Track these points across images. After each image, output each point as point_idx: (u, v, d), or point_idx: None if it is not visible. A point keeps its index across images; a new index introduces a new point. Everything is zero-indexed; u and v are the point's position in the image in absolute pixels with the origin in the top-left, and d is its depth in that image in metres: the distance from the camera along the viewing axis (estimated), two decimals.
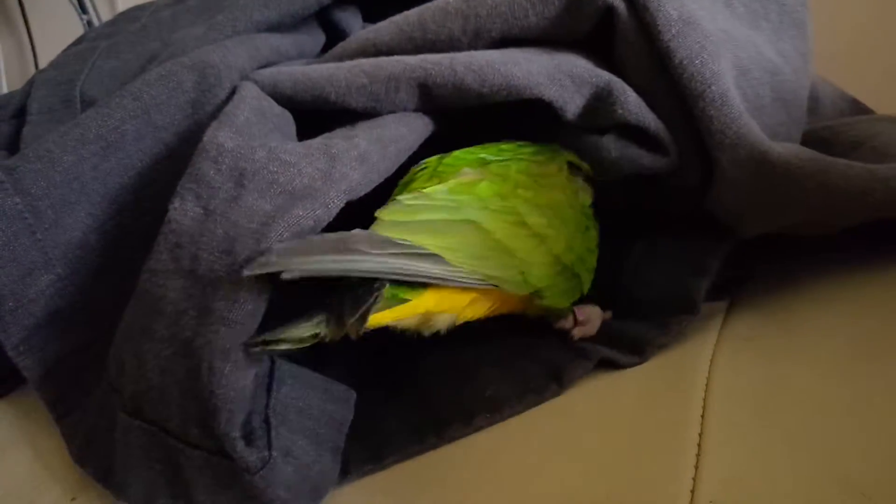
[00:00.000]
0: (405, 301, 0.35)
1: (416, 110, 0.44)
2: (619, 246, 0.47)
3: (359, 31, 0.60)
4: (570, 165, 0.44)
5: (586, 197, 0.44)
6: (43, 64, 1.24)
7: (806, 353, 0.36)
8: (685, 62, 0.38)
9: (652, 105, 0.41)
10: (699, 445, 0.32)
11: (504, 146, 0.43)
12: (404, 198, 0.38)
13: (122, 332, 0.38)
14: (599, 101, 0.41)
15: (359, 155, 0.38)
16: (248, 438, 0.34)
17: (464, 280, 0.36)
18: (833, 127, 0.48)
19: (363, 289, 0.32)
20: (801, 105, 0.44)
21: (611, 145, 0.42)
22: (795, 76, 0.43)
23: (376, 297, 0.32)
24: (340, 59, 0.49)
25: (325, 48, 0.59)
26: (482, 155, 0.42)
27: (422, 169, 0.42)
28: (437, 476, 0.37)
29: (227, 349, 0.33)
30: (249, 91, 0.42)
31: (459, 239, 0.36)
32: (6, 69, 1.31)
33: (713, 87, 0.38)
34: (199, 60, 0.44)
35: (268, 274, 0.32)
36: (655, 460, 0.32)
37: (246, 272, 0.31)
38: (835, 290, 0.40)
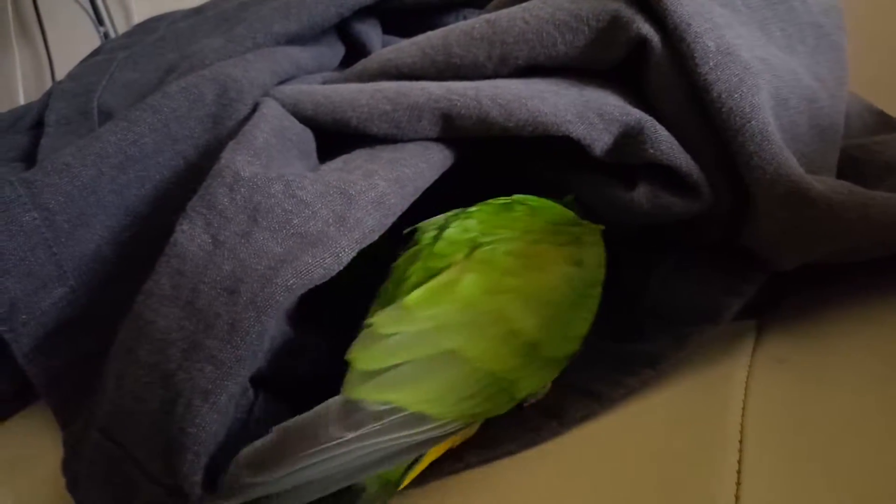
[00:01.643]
0: (391, 483, 0.33)
1: (436, 139, 0.43)
2: (640, 262, 0.46)
3: (378, 43, 0.60)
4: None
5: (595, 250, 0.40)
6: (60, 75, 1.25)
7: (842, 376, 0.35)
8: (723, 96, 0.36)
9: (684, 139, 0.39)
10: (738, 472, 0.31)
11: (508, 215, 0.40)
12: (382, 325, 0.33)
13: (112, 349, 0.37)
14: (629, 140, 0.39)
15: (376, 198, 0.37)
16: (211, 482, 0.33)
17: (450, 429, 0.33)
18: (866, 146, 0.47)
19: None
20: (838, 131, 0.42)
21: (642, 199, 0.40)
22: (832, 102, 0.42)
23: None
24: (361, 78, 0.48)
25: (345, 61, 0.59)
26: (474, 234, 0.38)
27: (415, 252, 0.38)
28: None
29: (208, 390, 0.32)
30: (271, 109, 0.41)
31: (442, 382, 0.32)
32: (23, 80, 1.32)
33: (753, 122, 0.36)
34: (221, 73, 0.43)
35: (273, 302, 0.32)
36: (693, 488, 0.31)
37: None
38: (867, 311, 0.39)
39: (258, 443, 0.30)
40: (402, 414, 0.31)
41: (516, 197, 0.42)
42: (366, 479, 0.32)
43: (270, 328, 0.34)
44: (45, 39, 1.27)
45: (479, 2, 0.60)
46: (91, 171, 0.40)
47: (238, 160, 0.37)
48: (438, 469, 0.37)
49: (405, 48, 0.48)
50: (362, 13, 0.57)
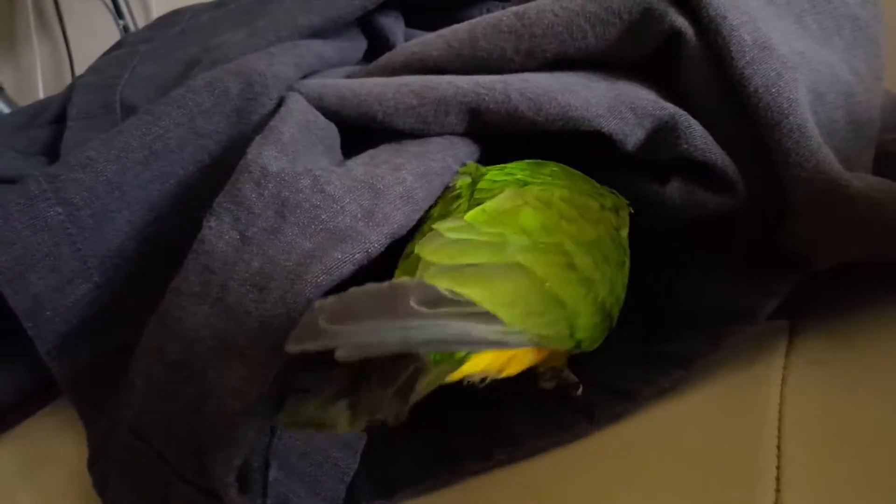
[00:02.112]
0: (446, 369, 0.31)
1: (463, 133, 0.42)
2: (670, 259, 0.45)
3: (401, 37, 0.59)
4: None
5: (624, 228, 0.40)
6: (79, 68, 1.25)
7: (882, 379, 0.34)
8: (760, 91, 0.35)
9: (718, 135, 0.38)
10: (777, 479, 0.30)
11: (542, 170, 0.40)
12: (445, 228, 0.33)
13: (140, 347, 0.37)
14: (662, 135, 0.39)
15: (404, 192, 0.36)
16: (244, 482, 0.32)
17: (518, 342, 0.32)
18: None
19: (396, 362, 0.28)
20: (874, 126, 0.41)
21: (675, 194, 0.39)
22: (868, 96, 0.41)
23: (415, 373, 0.27)
24: (385, 72, 0.48)
25: (367, 54, 0.58)
26: (519, 176, 0.38)
27: (455, 196, 0.38)
28: None
29: (239, 388, 0.31)
30: (296, 104, 0.41)
31: (513, 291, 0.31)
32: (42, 73, 1.32)
33: (791, 118, 0.35)
34: (246, 67, 0.43)
35: (302, 298, 0.31)
36: (732, 496, 0.30)
37: (289, 347, 0.26)
38: None
39: (340, 296, 0.27)
40: (477, 309, 0.29)
41: (542, 161, 0.41)
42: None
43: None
44: (64, 33, 1.27)
45: None
46: (115, 165, 0.40)
47: (265, 155, 0.36)
48: (466, 466, 0.37)
49: (430, 41, 0.47)
50: (385, 6, 0.57)
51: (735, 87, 0.37)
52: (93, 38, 1.22)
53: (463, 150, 0.42)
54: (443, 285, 0.29)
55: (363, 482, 0.37)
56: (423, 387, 0.28)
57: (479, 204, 0.35)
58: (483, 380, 0.34)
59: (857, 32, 0.43)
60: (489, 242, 0.32)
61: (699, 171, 0.38)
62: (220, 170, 0.42)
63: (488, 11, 0.60)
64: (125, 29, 1.05)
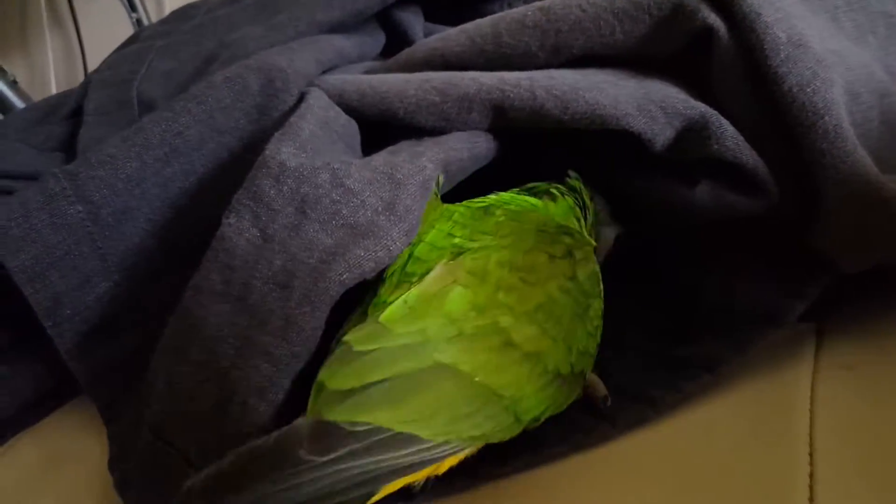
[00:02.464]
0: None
1: (486, 130, 0.41)
2: (693, 260, 0.45)
3: (420, 31, 0.58)
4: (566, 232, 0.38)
5: (588, 266, 0.37)
6: (91, 62, 1.25)
7: None
8: (795, 90, 0.34)
9: (749, 135, 0.37)
10: (811, 488, 0.30)
11: (486, 224, 0.37)
12: (356, 342, 0.30)
13: (160, 346, 0.36)
14: (692, 135, 0.38)
15: (423, 181, 0.36)
16: None
17: (446, 452, 0.30)
18: None
19: None
20: None
21: (704, 196, 0.38)
22: None
23: None
24: (406, 67, 0.47)
25: (386, 49, 0.58)
26: (457, 240, 0.35)
27: (390, 273, 0.35)
28: None
29: (264, 387, 0.31)
30: (317, 100, 0.40)
31: (432, 401, 0.29)
32: (55, 67, 1.32)
33: (826, 119, 0.34)
34: (266, 63, 0.42)
35: (327, 297, 0.31)
36: (764, 500, 0.30)
37: None
38: None
39: (212, 468, 0.26)
40: (384, 435, 0.27)
41: (492, 199, 0.40)
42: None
43: (324, 323, 0.33)
44: (76, 26, 1.27)
45: None
46: (135, 163, 0.39)
47: (284, 151, 0.36)
48: (482, 472, 0.36)
49: (452, 37, 0.46)
50: (404, 1, 0.56)
51: (768, 85, 0.36)
52: (105, 31, 1.22)
53: (483, 146, 0.42)
54: (341, 418, 0.27)
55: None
56: None
57: (408, 281, 0.33)
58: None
59: (891, 30, 0.42)
60: (406, 345, 0.30)
61: (729, 172, 0.37)
62: (240, 167, 0.41)
63: (509, 6, 0.59)
64: (138, 22, 1.04)
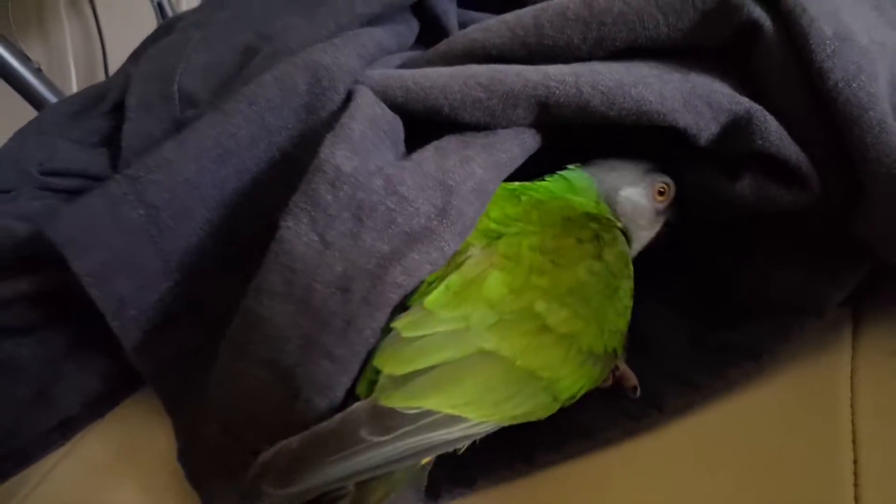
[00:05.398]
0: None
1: (529, 125, 0.42)
2: (732, 246, 0.45)
3: (454, 17, 0.58)
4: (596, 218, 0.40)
5: (616, 248, 0.39)
6: (110, 45, 1.25)
7: None
8: (840, 85, 0.35)
9: (793, 128, 0.37)
10: (855, 473, 0.31)
11: (515, 207, 0.39)
12: (404, 328, 0.33)
13: (224, 344, 0.38)
14: (737, 130, 0.38)
15: (475, 186, 0.37)
16: None
17: (486, 429, 0.33)
18: None
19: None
20: None
21: (746, 190, 0.38)
22: None
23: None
24: (446, 59, 0.47)
25: (419, 35, 0.58)
26: (492, 224, 0.38)
27: None
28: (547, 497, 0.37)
29: (327, 385, 0.33)
30: (364, 98, 0.41)
31: (477, 385, 0.32)
32: (73, 51, 1.32)
33: (871, 113, 0.34)
34: (312, 61, 0.43)
35: (385, 299, 0.33)
36: (812, 491, 0.31)
37: None
38: None
39: (281, 447, 0.30)
40: (434, 416, 0.31)
41: (518, 185, 0.41)
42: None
43: (383, 324, 0.34)
44: (94, 9, 1.27)
45: None
46: (192, 165, 0.40)
47: (338, 155, 0.37)
48: (539, 459, 0.38)
49: (493, 28, 0.46)
50: None
51: (814, 79, 0.36)
52: (124, 13, 1.22)
53: (529, 141, 0.42)
54: (396, 404, 0.30)
55: (443, 473, 0.38)
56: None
57: (445, 270, 0.35)
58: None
59: None
60: (450, 332, 0.32)
61: (772, 166, 0.38)
62: (291, 165, 0.43)
63: None
64: (159, 6, 1.04)
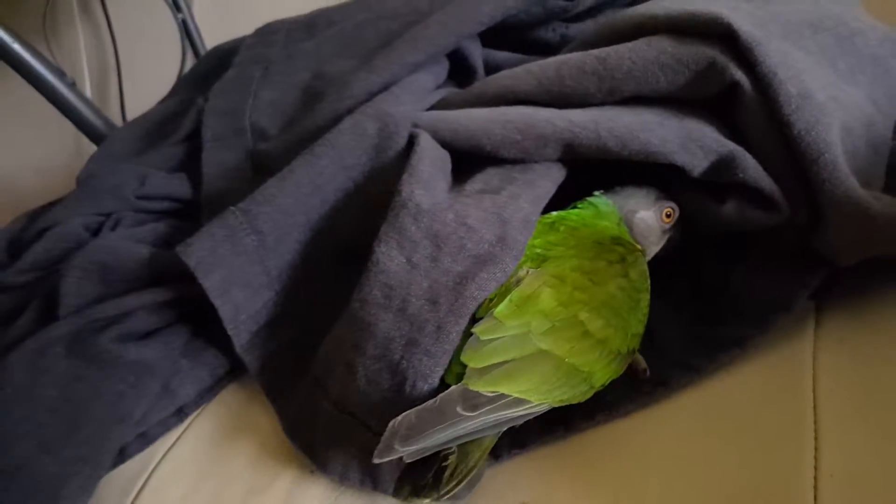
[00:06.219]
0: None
1: (556, 160, 0.52)
2: (720, 258, 0.54)
3: (479, 56, 0.68)
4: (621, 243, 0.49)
5: (638, 267, 0.48)
6: (123, 50, 1.28)
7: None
8: (803, 133, 0.44)
9: (767, 165, 0.46)
10: (815, 433, 0.41)
11: (555, 236, 0.48)
12: (482, 333, 0.42)
13: (333, 342, 0.47)
14: (723, 166, 0.47)
15: (523, 218, 0.46)
16: None
17: (543, 409, 0.42)
18: None
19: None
20: (887, 143, 0.51)
21: (730, 211, 0.48)
22: (884, 119, 0.50)
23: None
24: (481, 100, 0.57)
25: (450, 72, 0.67)
26: (538, 250, 0.47)
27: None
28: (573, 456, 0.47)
29: (426, 374, 0.42)
30: (426, 142, 0.51)
31: (537, 377, 0.41)
32: (87, 56, 1.35)
33: (826, 155, 0.43)
34: (380, 110, 0.53)
35: (466, 309, 0.43)
36: (782, 444, 0.41)
37: (375, 460, 0.38)
38: None
39: (403, 417, 0.39)
40: (507, 399, 0.40)
41: (554, 216, 0.51)
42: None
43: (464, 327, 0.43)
44: (106, 14, 1.29)
45: (565, 15, 0.68)
46: (290, 199, 0.50)
47: (416, 194, 0.47)
48: (576, 425, 0.48)
49: (521, 76, 0.56)
50: None
51: (783, 128, 0.46)
52: (136, 18, 1.24)
53: (557, 174, 0.52)
54: (481, 388, 0.40)
55: (503, 438, 0.47)
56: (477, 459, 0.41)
57: (506, 287, 0.44)
58: None
59: (877, 68, 0.52)
60: (516, 336, 0.42)
61: (751, 193, 0.48)
62: (362, 195, 0.53)
63: (553, 31, 0.69)
64: (175, 4, 1.09)
